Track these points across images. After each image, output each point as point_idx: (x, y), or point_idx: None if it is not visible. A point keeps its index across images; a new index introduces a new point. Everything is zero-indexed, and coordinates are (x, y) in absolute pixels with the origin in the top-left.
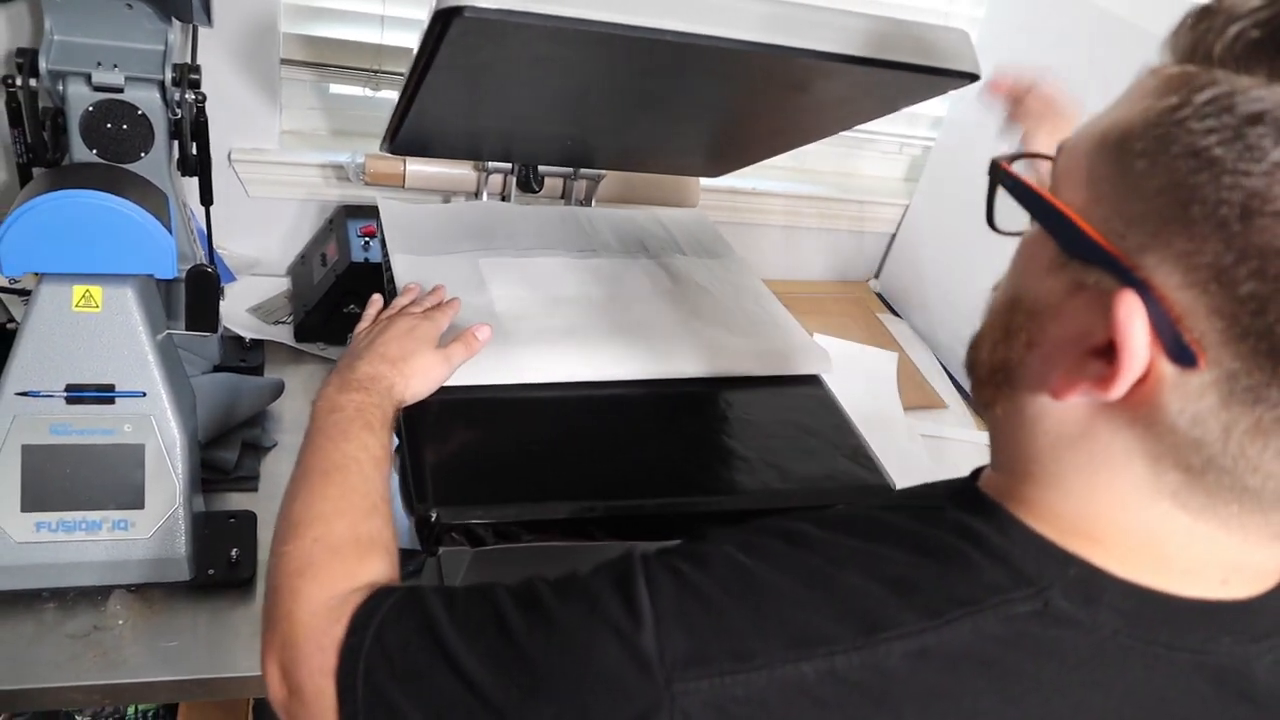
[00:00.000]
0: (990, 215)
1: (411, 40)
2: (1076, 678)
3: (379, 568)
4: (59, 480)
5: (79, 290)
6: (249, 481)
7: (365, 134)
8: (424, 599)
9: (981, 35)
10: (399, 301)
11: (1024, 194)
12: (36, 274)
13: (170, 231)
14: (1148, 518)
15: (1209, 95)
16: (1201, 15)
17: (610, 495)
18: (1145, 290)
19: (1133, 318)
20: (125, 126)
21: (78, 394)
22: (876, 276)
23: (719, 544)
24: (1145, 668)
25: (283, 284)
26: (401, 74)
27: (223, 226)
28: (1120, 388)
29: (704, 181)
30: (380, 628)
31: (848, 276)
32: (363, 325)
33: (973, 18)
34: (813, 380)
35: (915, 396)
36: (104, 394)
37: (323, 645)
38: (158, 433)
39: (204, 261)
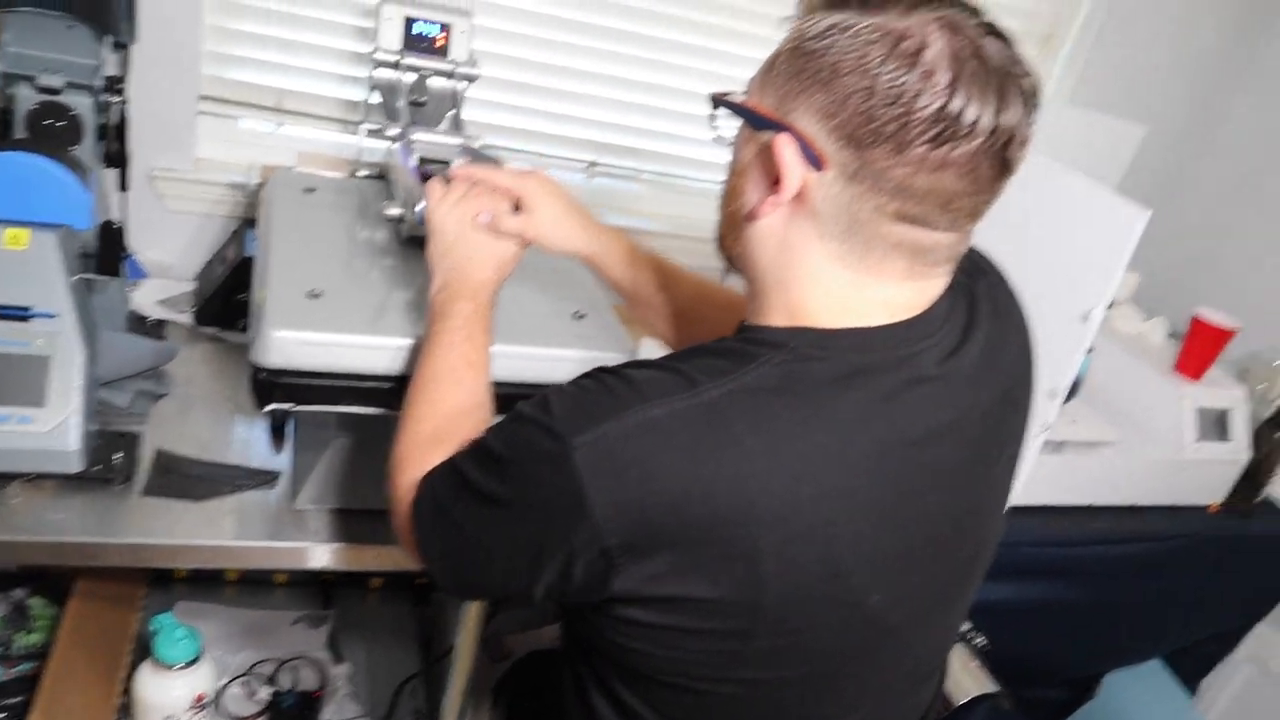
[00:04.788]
0: (714, 131)
1: (310, 85)
2: (828, 383)
3: (445, 455)
4: None
5: (10, 232)
6: (139, 417)
7: (269, 164)
8: (453, 457)
9: None
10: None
11: (723, 102)
12: None
13: (89, 192)
14: (830, 282)
15: (815, 25)
16: None
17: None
18: (790, 131)
19: (784, 146)
20: (61, 123)
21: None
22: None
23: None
24: (865, 372)
25: (191, 286)
26: (302, 113)
27: (141, 235)
28: (787, 192)
29: None
30: (431, 486)
31: None
32: (436, 200)
33: None
34: None
35: None
36: (21, 312)
37: (405, 509)
38: (63, 347)
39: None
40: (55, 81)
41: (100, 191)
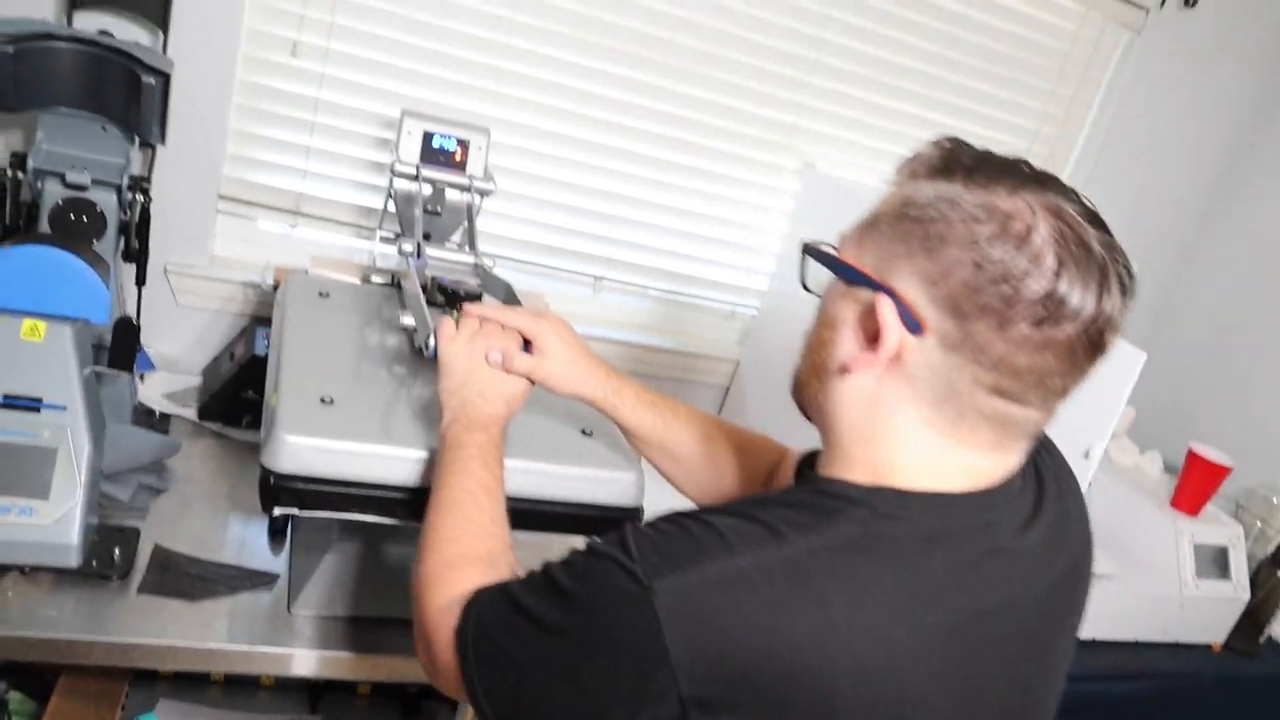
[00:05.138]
0: (803, 279)
1: (328, 190)
2: (910, 547)
3: (480, 575)
4: None
5: (28, 323)
6: (139, 512)
7: (284, 265)
8: (506, 584)
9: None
10: (471, 323)
11: (820, 255)
12: None
13: (108, 288)
14: (917, 443)
15: (921, 193)
16: (905, 161)
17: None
18: (891, 293)
19: (885, 307)
20: (85, 219)
21: (11, 401)
22: None
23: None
24: (946, 537)
25: (197, 380)
26: (318, 216)
27: (151, 328)
28: (885, 352)
29: None
30: (478, 611)
31: None
32: (447, 339)
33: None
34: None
35: None
36: (32, 403)
37: (444, 634)
38: (70, 441)
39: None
40: (82, 178)
41: (117, 285)
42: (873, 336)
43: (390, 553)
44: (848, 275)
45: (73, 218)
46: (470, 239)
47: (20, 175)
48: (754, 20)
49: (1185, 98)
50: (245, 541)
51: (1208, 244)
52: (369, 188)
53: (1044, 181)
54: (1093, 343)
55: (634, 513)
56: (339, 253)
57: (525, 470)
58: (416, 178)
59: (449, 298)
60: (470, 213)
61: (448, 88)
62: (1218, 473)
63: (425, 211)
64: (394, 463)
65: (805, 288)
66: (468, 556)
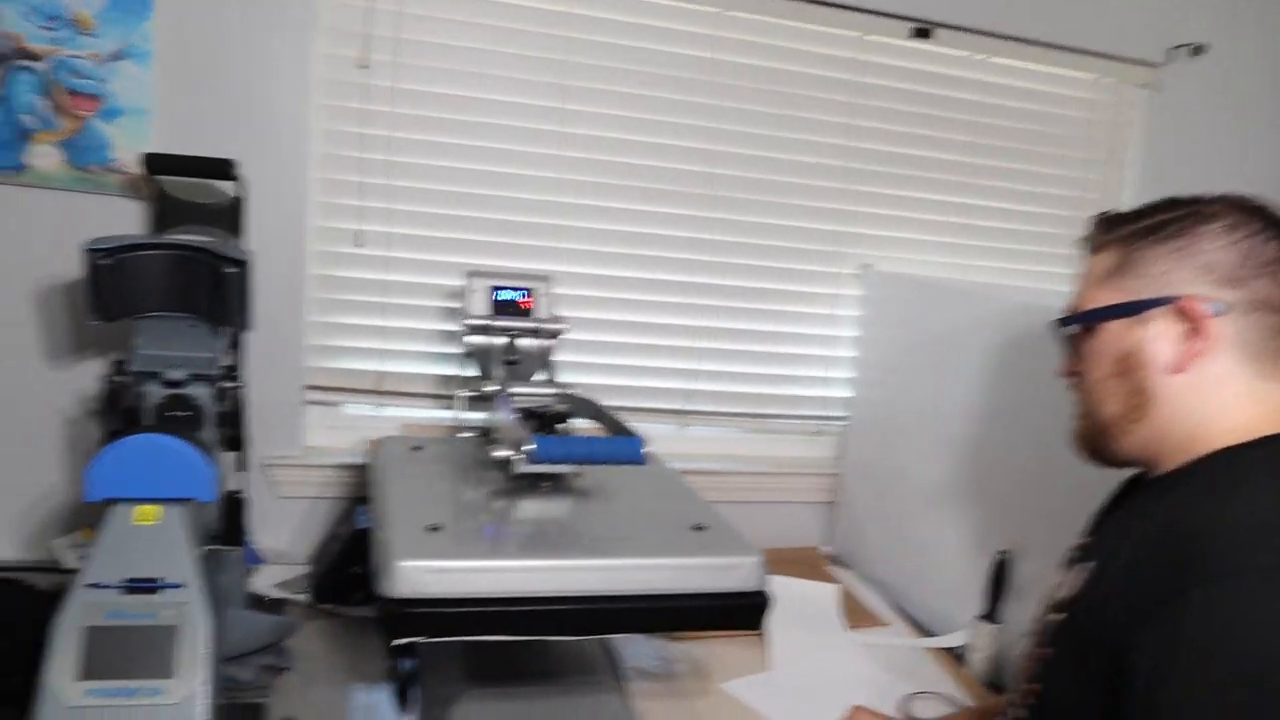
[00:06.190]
0: (1068, 352)
1: (407, 366)
2: None
3: None
4: (108, 654)
5: (139, 509)
6: (263, 690)
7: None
8: None
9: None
10: None
11: (1095, 312)
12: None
13: (212, 466)
14: (1261, 395)
15: (1159, 223)
16: (1098, 225)
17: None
18: (1190, 298)
19: (1193, 303)
20: (185, 413)
21: (132, 585)
22: (830, 543)
23: None
24: None
25: (305, 569)
26: (401, 393)
27: (255, 523)
28: (1207, 334)
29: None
30: None
31: (803, 543)
32: None
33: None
34: None
35: (860, 619)
36: (151, 584)
37: None
38: (189, 618)
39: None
40: (179, 375)
41: (220, 468)
42: (1188, 334)
43: (520, 698)
44: (1134, 309)
45: (172, 414)
46: (550, 376)
47: (122, 380)
48: (791, 142)
49: (1220, 139)
50: (371, 709)
51: None
52: (446, 357)
53: (1201, 197)
54: None
55: (758, 597)
56: (426, 421)
57: (648, 566)
58: (489, 330)
59: (539, 420)
60: (546, 355)
61: (509, 251)
62: None
63: (504, 362)
64: (508, 575)
65: (1071, 364)
66: None
